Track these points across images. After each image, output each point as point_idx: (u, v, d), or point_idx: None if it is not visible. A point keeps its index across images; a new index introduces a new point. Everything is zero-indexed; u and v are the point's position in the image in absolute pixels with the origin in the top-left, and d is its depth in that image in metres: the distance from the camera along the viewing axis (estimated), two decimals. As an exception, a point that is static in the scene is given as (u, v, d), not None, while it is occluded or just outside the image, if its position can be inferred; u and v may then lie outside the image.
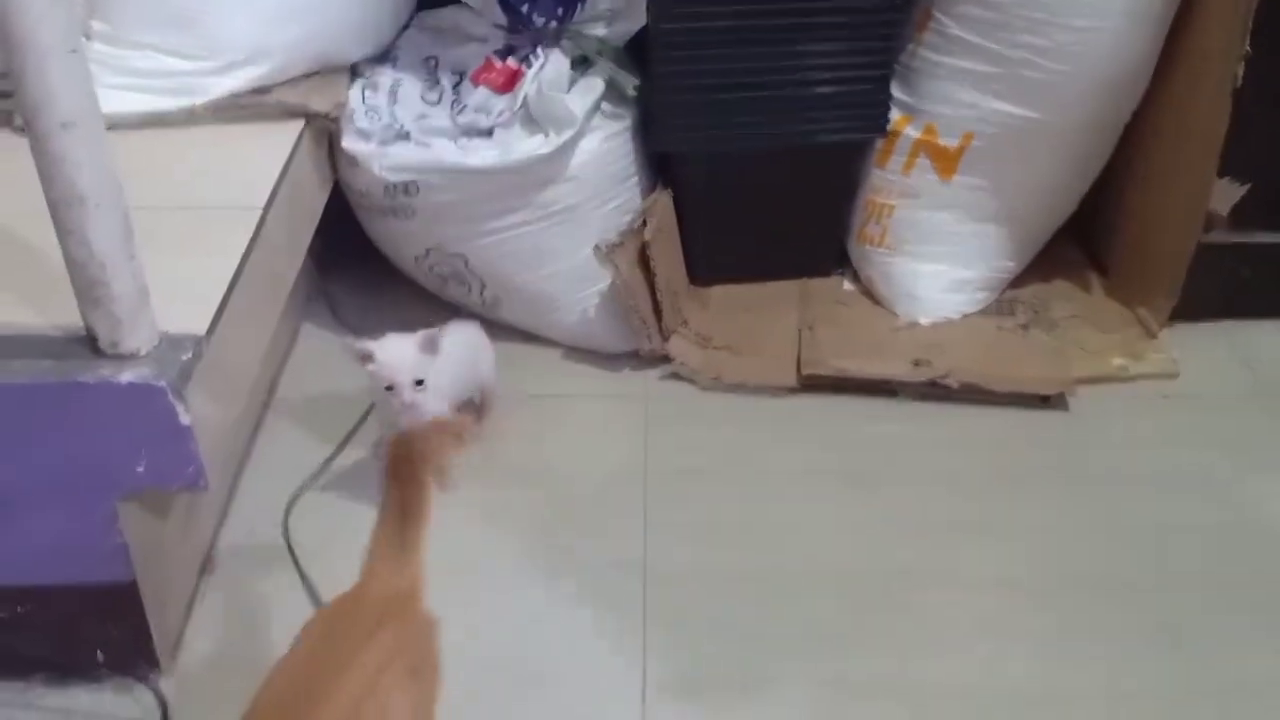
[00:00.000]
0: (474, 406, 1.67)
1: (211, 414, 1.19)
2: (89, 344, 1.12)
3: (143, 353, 1.13)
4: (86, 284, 1.08)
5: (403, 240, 1.80)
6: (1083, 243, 2.00)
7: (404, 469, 1.08)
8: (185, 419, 1.12)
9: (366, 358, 1.43)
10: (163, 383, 1.10)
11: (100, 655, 1.27)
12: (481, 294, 1.80)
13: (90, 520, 1.17)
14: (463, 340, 1.61)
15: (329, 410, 1.69)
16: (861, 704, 1.31)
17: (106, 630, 1.26)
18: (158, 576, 1.27)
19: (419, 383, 1.43)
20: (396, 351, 1.44)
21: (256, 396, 1.66)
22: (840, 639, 1.39)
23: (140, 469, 1.14)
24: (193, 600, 1.39)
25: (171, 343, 1.15)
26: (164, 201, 1.34)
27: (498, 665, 1.33)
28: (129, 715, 1.26)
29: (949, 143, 1.76)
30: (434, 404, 1.46)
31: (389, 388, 1.43)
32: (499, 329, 1.86)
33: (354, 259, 1.89)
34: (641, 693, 1.31)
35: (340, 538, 1.46)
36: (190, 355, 1.14)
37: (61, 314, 1.13)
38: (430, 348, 1.45)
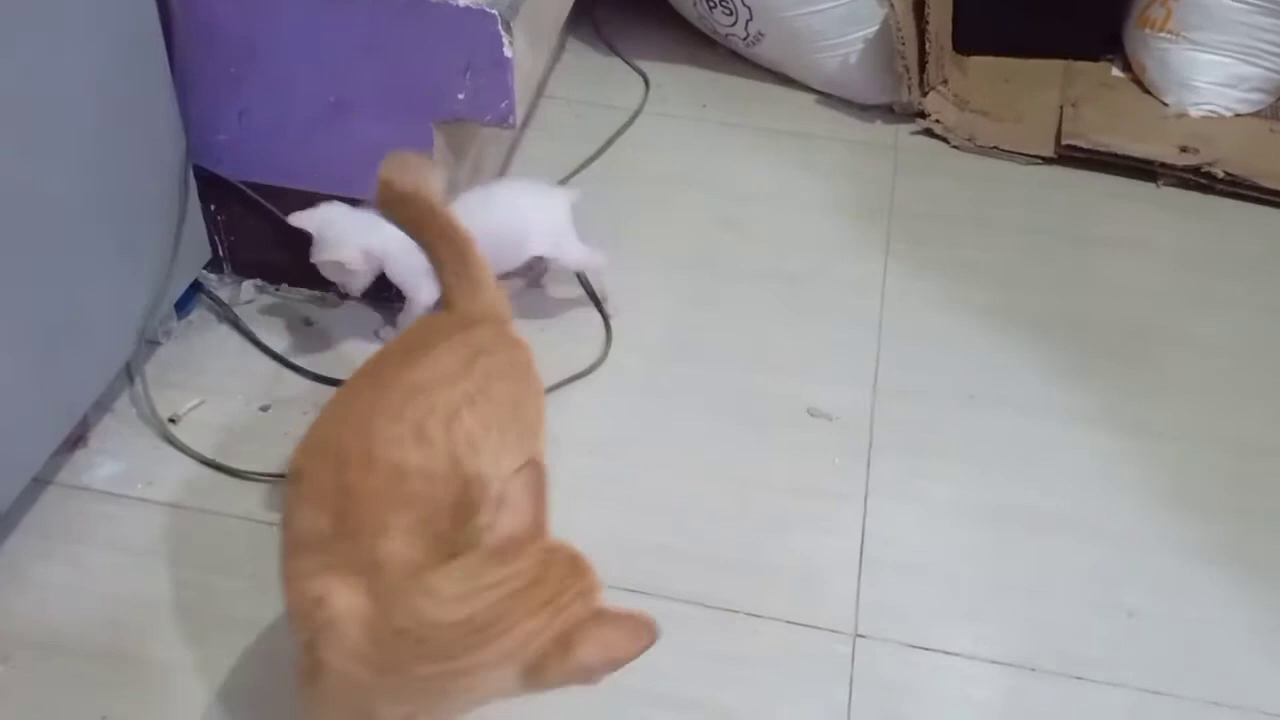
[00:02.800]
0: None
1: (524, 58, 1.28)
2: (430, -30, 1.22)
3: (478, -15, 1.21)
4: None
5: (679, -38, 1.83)
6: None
7: (405, 208, 1.00)
8: (508, 51, 1.21)
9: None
10: (495, 11, 1.19)
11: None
12: (746, 26, 1.83)
13: (408, 140, 1.29)
14: (506, 203, 1.37)
15: (589, 115, 1.78)
16: (1076, 432, 1.36)
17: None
18: (451, 210, 1.39)
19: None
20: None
21: (531, 92, 1.75)
22: (1064, 374, 1.43)
23: (461, 95, 1.25)
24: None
25: (501, -18, 1.23)
26: None
27: (732, 347, 1.44)
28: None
29: (1258, -78, 1.67)
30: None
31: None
32: (754, 70, 1.90)
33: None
34: (872, 389, 1.39)
35: (600, 226, 1.52)
36: (517, -4, 1.23)
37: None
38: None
